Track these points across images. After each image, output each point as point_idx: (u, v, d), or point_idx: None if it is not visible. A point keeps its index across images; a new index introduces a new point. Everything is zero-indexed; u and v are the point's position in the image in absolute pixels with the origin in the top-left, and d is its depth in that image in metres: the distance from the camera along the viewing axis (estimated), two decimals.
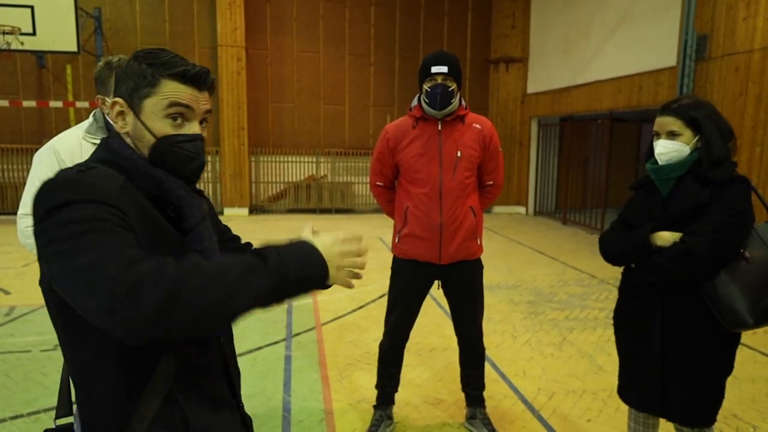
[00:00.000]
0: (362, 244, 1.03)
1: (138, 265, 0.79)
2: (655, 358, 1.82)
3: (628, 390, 1.99)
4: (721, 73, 5.99)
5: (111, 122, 1.94)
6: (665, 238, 1.76)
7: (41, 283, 0.96)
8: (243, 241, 1.31)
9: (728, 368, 1.81)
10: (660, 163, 1.80)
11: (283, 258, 0.92)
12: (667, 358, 1.81)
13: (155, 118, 1.00)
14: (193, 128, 1.03)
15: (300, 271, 0.93)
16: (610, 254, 1.94)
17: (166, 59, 1.01)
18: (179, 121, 1.02)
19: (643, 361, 1.87)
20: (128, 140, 1.03)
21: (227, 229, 1.29)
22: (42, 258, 0.88)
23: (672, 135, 1.77)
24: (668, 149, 1.76)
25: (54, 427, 1.03)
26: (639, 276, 1.85)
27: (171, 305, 0.78)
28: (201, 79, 1.03)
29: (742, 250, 1.69)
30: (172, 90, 1.00)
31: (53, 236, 0.83)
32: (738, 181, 1.73)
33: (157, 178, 1.01)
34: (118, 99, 1.02)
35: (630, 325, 1.94)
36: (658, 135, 1.82)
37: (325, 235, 1.00)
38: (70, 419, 1.12)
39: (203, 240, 1.03)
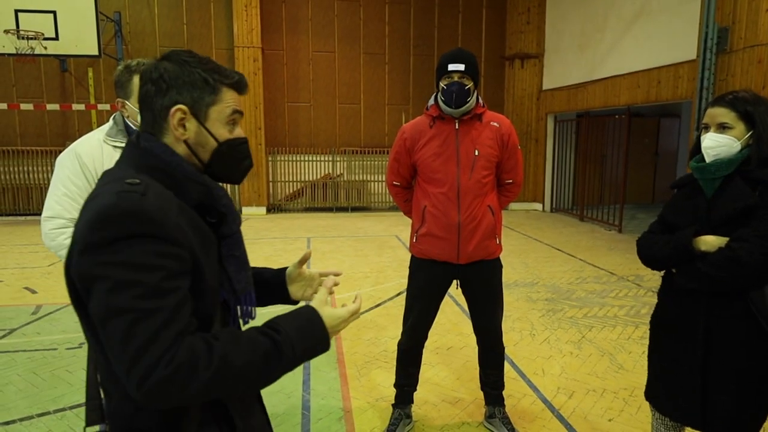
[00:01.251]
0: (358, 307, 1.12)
1: (177, 354, 0.83)
2: (696, 363, 1.70)
3: (661, 398, 1.86)
4: (743, 65, 5.87)
5: (131, 125, 2.00)
6: (710, 242, 1.62)
7: (66, 274, 0.93)
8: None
9: None
10: (707, 158, 1.65)
11: (295, 347, 0.97)
12: (709, 365, 1.68)
13: (219, 124, 1.05)
14: (240, 131, 1.11)
15: (307, 354, 1.00)
16: (649, 258, 1.81)
17: (214, 66, 1.05)
18: (234, 126, 1.09)
19: (682, 368, 1.74)
20: (179, 147, 1.02)
21: None
22: (85, 277, 0.87)
23: (722, 128, 1.63)
24: (717, 143, 1.62)
25: None
26: (680, 282, 1.71)
27: (185, 400, 0.85)
28: (245, 87, 1.11)
29: None
30: (232, 98, 1.06)
31: (110, 274, 0.84)
32: None
33: (207, 187, 1.03)
34: (181, 106, 1.01)
35: (670, 330, 1.80)
36: (707, 128, 1.68)
37: (336, 311, 1.06)
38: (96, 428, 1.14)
39: (240, 246, 1.10)
